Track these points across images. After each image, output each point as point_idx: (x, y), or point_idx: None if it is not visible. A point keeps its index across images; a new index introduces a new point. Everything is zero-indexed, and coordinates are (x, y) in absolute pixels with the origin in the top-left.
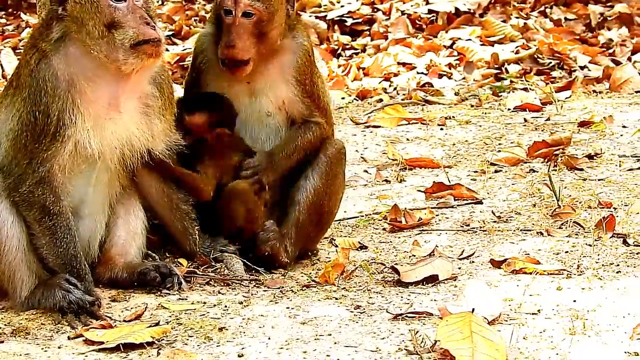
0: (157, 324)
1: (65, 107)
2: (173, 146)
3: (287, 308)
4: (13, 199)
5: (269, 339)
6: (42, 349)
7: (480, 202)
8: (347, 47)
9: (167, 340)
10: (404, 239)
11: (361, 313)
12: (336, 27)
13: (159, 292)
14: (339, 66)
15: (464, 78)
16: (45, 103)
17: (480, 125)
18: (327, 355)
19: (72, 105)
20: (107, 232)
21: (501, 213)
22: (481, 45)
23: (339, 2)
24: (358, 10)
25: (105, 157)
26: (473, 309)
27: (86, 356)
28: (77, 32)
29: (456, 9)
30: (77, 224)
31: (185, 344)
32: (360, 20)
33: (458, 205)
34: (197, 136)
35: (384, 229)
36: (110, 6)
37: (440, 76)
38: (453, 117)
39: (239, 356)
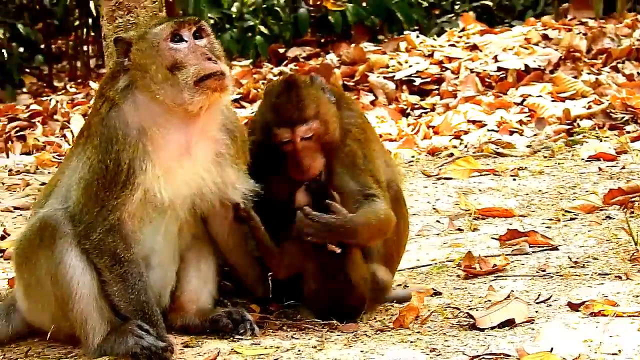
0: None
1: (136, 155)
2: (246, 196)
3: (362, 352)
4: (84, 246)
5: None
6: None
7: (556, 249)
8: (416, 106)
9: None
10: (478, 285)
11: (437, 355)
12: (404, 87)
13: (231, 338)
14: (408, 125)
15: (535, 134)
16: (116, 151)
17: (554, 175)
18: None
19: (143, 152)
20: (178, 279)
21: (578, 258)
22: (552, 101)
23: (406, 62)
24: (426, 69)
25: (175, 206)
26: (552, 349)
27: None
28: (142, 78)
29: (526, 66)
30: (148, 273)
31: None
32: (428, 79)
33: (533, 252)
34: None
35: (457, 276)
36: (171, 49)
37: (512, 133)
38: (526, 167)
39: None
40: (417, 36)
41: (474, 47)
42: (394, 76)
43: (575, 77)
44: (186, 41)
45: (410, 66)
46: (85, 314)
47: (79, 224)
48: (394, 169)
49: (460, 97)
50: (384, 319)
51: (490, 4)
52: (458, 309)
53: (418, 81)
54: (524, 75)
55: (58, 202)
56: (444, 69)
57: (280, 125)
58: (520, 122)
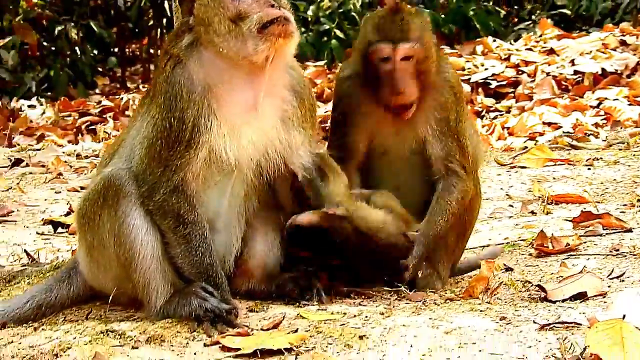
0: (295, 332)
1: (201, 113)
2: (312, 161)
3: (430, 319)
4: (147, 207)
5: (411, 347)
6: (178, 355)
7: (630, 231)
8: (491, 108)
9: (306, 347)
10: (550, 263)
11: (507, 324)
12: (480, 89)
13: (297, 304)
14: (483, 126)
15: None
16: (180, 109)
17: (629, 165)
18: None
19: (208, 110)
20: (244, 243)
21: None
22: (629, 105)
23: (482, 65)
24: (502, 72)
25: (240, 166)
26: (624, 316)
27: None
28: (205, 33)
29: (603, 69)
30: (213, 236)
31: (324, 351)
32: (504, 82)
33: (607, 233)
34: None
35: (529, 254)
36: (234, 0)
37: (587, 135)
38: (601, 158)
39: None
40: (494, 40)
41: (551, 52)
42: (469, 79)
43: None
44: None
45: (486, 69)
46: (148, 274)
47: (143, 184)
48: (478, 143)
49: (536, 99)
50: (454, 290)
51: (568, 12)
52: (529, 282)
53: (494, 84)
54: (600, 79)
55: (122, 162)
56: (520, 72)
57: (382, 42)
58: (596, 124)
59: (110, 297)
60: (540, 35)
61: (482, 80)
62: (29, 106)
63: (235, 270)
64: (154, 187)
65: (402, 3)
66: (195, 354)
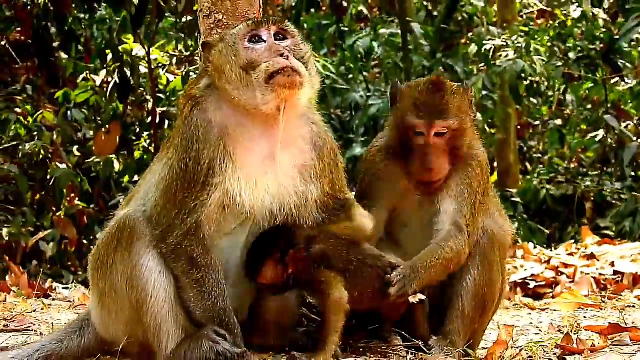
0: None
1: (217, 154)
2: (329, 216)
3: None
4: (161, 250)
5: None
6: None
7: None
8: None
9: None
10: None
11: None
12: (518, 289)
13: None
14: None
15: None
16: (196, 150)
17: None
18: None
19: (224, 152)
20: (260, 297)
21: None
22: None
23: (522, 267)
24: (542, 273)
25: (255, 214)
26: None
27: None
28: (219, 79)
29: None
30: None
31: None
32: (543, 283)
33: (634, 344)
34: (286, 280)
35: (554, 354)
36: (247, 48)
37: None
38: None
39: None
40: (534, 247)
41: (591, 256)
42: (508, 279)
43: None
44: (265, 41)
45: (525, 270)
46: (160, 318)
47: (157, 226)
48: (504, 224)
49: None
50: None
51: (612, 234)
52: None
53: (532, 284)
54: None
55: (137, 205)
56: (559, 274)
57: (418, 116)
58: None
59: (121, 346)
60: (580, 242)
61: (521, 280)
62: (64, 288)
63: (250, 323)
64: (168, 230)
65: (443, 78)
66: None
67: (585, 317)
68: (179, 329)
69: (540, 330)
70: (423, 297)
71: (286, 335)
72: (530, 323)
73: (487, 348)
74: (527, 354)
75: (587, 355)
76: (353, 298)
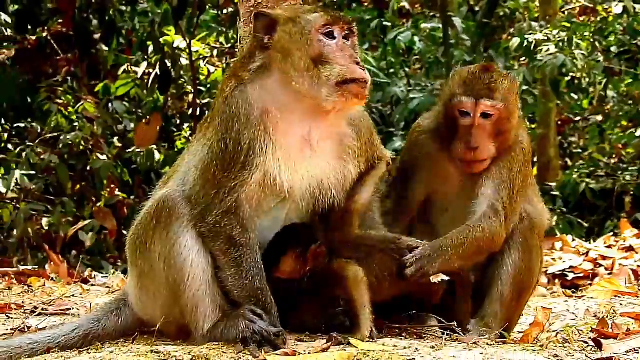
0: (344, 351)
1: (257, 135)
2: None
3: (481, 354)
4: (200, 229)
5: None
6: None
7: None
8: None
9: None
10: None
11: None
12: (557, 280)
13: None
14: None
15: None
16: (237, 130)
17: None
18: None
19: (265, 133)
20: None
21: None
22: None
23: (560, 259)
24: (580, 265)
25: (294, 194)
26: None
27: None
28: (282, 62)
29: None
30: None
31: None
32: (581, 275)
33: None
34: (304, 276)
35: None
36: (321, 41)
37: None
38: None
39: None
40: (573, 240)
41: (630, 249)
42: (547, 270)
43: None
44: (336, 38)
45: (563, 262)
46: (197, 297)
47: (196, 206)
48: (543, 211)
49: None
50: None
51: None
52: (582, 331)
53: (571, 276)
54: None
55: (176, 185)
56: (597, 266)
57: (466, 95)
58: None
59: (158, 326)
60: (620, 234)
61: (559, 272)
62: (103, 277)
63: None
64: (207, 209)
65: (493, 64)
66: None
67: (621, 304)
68: (216, 309)
69: (576, 316)
70: (445, 277)
71: (323, 314)
72: (567, 310)
73: (522, 332)
74: (562, 337)
75: (622, 338)
76: (373, 286)
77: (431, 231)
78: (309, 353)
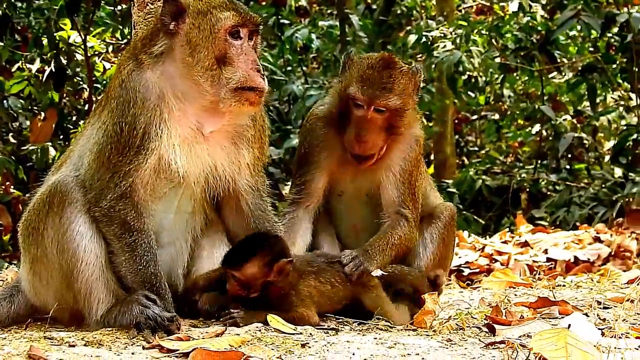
0: (237, 335)
1: (153, 120)
2: (258, 184)
3: (375, 338)
4: (94, 213)
5: (353, 354)
6: (115, 353)
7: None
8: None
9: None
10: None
11: (452, 344)
12: (452, 276)
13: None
14: None
15: None
16: (132, 114)
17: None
18: None
19: (160, 119)
20: (192, 262)
21: None
22: None
23: (456, 255)
24: (476, 260)
25: (188, 179)
26: (569, 325)
27: None
28: (186, 54)
29: (575, 258)
30: (158, 251)
31: (265, 353)
32: (477, 270)
33: (562, 317)
34: (258, 285)
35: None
36: (227, 41)
37: None
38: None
39: None
40: (469, 236)
41: (525, 244)
42: None
43: (624, 272)
44: (242, 38)
45: (459, 257)
46: (90, 283)
47: (90, 190)
48: (438, 195)
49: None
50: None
51: (546, 224)
52: (476, 318)
53: (467, 271)
54: (573, 267)
55: (69, 170)
56: (493, 261)
57: (362, 89)
58: None
59: (51, 312)
60: (515, 230)
61: (455, 268)
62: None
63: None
64: (101, 193)
65: (395, 57)
66: (133, 353)
67: (516, 295)
68: (110, 294)
69: (470, 306)
70: (380, 272)
71: (216, 301)
72: (462, 300)
73: None
74: (456, 323)
75: (516, 324)
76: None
77: (331, 213)
78: (202, 338)
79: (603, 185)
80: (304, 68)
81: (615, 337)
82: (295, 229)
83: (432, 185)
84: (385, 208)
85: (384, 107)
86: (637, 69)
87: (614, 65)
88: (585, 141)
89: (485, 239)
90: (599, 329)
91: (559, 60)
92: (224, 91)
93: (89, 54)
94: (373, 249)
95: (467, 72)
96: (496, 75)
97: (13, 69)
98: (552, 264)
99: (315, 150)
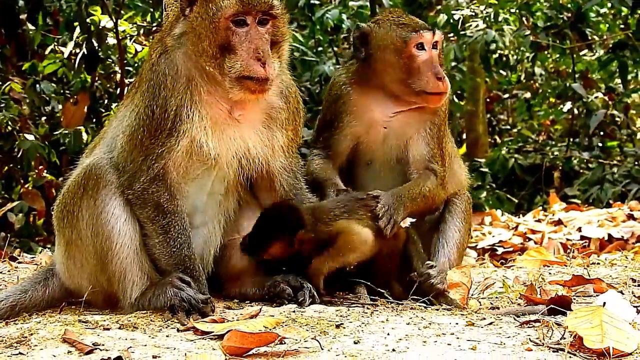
0: (271, 317)
1: (184, 103)
2: (292, 165)
3: (410, 317)
4: (127, 196)
5: (388, 334)
6: (150, 336)
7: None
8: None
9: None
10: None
11: (488, 323)
12: (486, 255)
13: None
14: None
15: None
16: (163, 97)
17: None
18: (448, 344)
19: (190, 101)
20: (232, 246)
21: None
22: None
23: (490, 234)
24: (510, 239)
25: (221, 161)
26: (604, 303)
27: (194, 342)
28: (193, 43)
29: (609, 235)
30: (191, 231)
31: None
32: (510, 249)
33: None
34: (286, 255)
35: (518, 304)
36: (229, 29)
37: None
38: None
39: (355, 342)
40: (502, 214)
41: (559, 222)
42: (476, 245)
43: None
44: (248, 25)
45: (493, 236)
46: (124, 265)
47: (123, 173)
48: (461, 166)
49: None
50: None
51: (579, 202)
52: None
53: (500, 250)
54: (606, 245)
55: (103, 152)
56: (527, 240)
57: (417, 30)
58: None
59: (85, 296)
60: (549, 209)
61: (489, 247)
62: (32, 258)
63: (225, 274)
64: (134, 176)
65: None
66: (167, 336)
67: (550, 273)
68: (144, 277)
69: (504, 284)
70: (412, 220)
71: (263, 282)
72: (495, 278)
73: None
74: (491, 302)
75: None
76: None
77: (357, 182)
78: (237, 320)
79: (636, 163)
80: (335, 48)
81: None
82: (329, 168)
83: (456, 153)
84: (413, 165)
85: (439, 40)
86: None
87: None
88: (617, 118)
89: (519, 217)
90: (634, 306)
91: (589, 38)
92: (227, 80)
93: (120, 37)
94: (404, 195)
95: (499, 51)
96: (527, 54)
97: (46, 52)
98: (585, 242)
99: (342, 116)
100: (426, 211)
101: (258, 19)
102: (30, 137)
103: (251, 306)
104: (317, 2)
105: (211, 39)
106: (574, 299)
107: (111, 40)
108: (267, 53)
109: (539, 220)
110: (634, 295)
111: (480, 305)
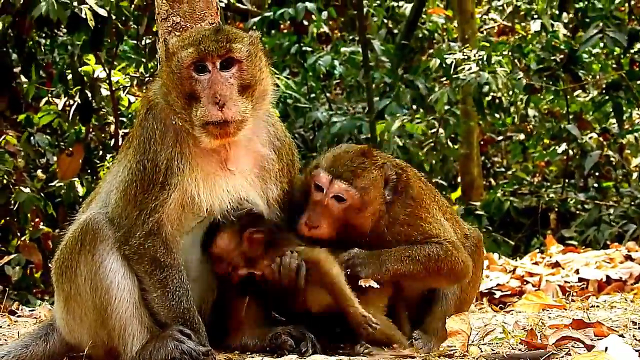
0: None
1: (174, 156)
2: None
3: None
4: (124, 252)
5: None
6: None
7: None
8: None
9: None
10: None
11: None
12: (484, 299)
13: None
14: None
15: None
16: (154, 151)
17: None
18: None
19: (180, 154)
20: (232, 296)
21: None
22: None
23: (487, 277)
24: (507, 283)
25: (214, 212)
26: (606, 348)
27: None
28: (165, 95)
29: (607, 277)
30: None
31: None
32: (509, 292)
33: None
34: (237, 259)
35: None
36: (192, 77)
37: None
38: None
39: None
40: (499, 257)
41: (556, 265)
42: None
43: None
44: (209, 71)
45: (490, 280)
46: (124, 320)
47: (119, 228)
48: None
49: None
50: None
51: (576, 243)
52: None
53: (498, 294)
54: (605, 286)
55: (99, 207)
56: (525, 283)
57: (322, 169)
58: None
59: (86, 350)
60: (546, 251)
61: (487, 290)
62: (31, 311)
63: (228, 325)
64: (130, 231)
65: (374, 150)
66: None
67: (549, 317)
68: (144, 330)
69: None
70: (375, 284)
71: (265, 334)
72: (495, 324)
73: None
74: (492, 350)
75: (552, 349)
76: None
77: None
78: None
79: (632, 203)
80: (328, 94)
81: None
82: None
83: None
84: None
85: (344, 195)
86: None
87: (639, 82)
88: (612, 159)
89: (516, 260)
90: (635, 350)
91: (582, 79)
92: (196, 129)
93: (113, 88)
94: (388, 254)
95: (492, 93)
96: (521, 96)
97: (41, 104)
98: (584, 284)
99: None
100: (441, 276)
101: (220, 64)
102: (26, 190)
103: (252, 358)
104: (309, 49)
105: (178, 90)
106: (575, 344)
107: (104, 91)
108: (227, 96)
109: (536, 263)
110: (635, 339)
111: (482, 351)
